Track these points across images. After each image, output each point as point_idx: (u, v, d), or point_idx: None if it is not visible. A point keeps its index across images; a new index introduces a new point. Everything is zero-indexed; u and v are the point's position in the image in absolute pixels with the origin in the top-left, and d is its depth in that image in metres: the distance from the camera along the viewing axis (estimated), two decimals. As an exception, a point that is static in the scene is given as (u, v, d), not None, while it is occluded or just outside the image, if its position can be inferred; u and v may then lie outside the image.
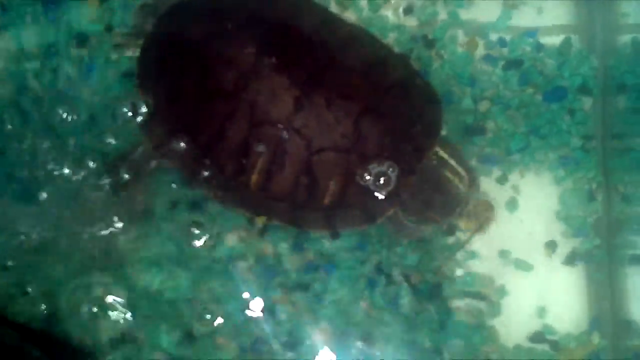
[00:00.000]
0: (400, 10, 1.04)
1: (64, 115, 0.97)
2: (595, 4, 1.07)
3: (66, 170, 0.95)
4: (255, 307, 0.96)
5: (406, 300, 0.96)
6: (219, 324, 0.96)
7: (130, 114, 0.94)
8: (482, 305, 0.99)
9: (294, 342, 0.96)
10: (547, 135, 1.02)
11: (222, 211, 0.96)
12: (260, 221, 0.97)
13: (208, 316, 0.95)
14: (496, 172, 1.02)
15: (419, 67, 1.00)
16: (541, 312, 1.00)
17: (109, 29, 1.01)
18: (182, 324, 0.96)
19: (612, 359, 0.99)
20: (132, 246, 0.95)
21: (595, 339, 0.99)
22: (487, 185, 1.01)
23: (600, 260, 1.01)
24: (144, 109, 0.93)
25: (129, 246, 0.95)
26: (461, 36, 1.04)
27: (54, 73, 0.99)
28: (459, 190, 0.93)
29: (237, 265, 0.97)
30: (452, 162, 0.93)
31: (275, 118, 0.87)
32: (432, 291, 0.97)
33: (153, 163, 0.94)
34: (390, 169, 0.88)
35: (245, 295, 0.96)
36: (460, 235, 0.98)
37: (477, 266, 1.00)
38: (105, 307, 0.94)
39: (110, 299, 0.94)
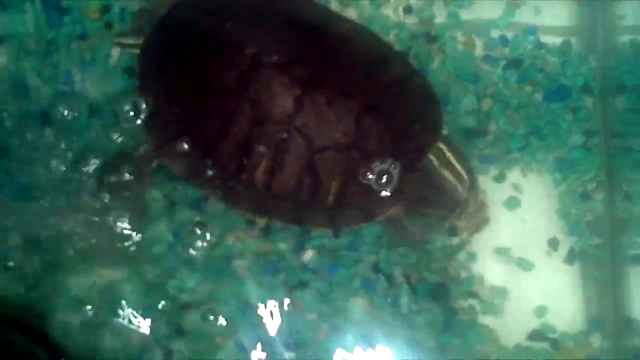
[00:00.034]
0: (400, 9, 1.05)
1: (64, 113, 0.97)
2: (593, 4, 1.08)
3: (67, 169, 0.95)
4: (256, 307, 0.96)
5: (406, 300, 0.96)
6: (219, 323, 0.95)
7: (131, 113, 0.94)
8: (482, 304, 0.99)
9: (294, 341, 0.95)
10: (547, 136, 1.02)
11: (223, 210, 0.96)
12: (261, 221, 0.97)
13: (208, 315, 0.95)
14: (494, 170, 1.02)
15: (417, 65, 1.00)
16: (542, 311, 0.99)
17: (108, 26, 1.01)
18: (182, 324, 0.95)
19: (612, 359, 0.99)
20: (133, 246, 0.95)
21: (596, 338, 0.99)
22: (486, 184, 1.01)
23: (601, 259, 1.01)
24: (145, 108, 0.93)
25: (130, 246, 0.95)
26: (460, 35, 1.04)
27: (54, 70, 0.99)
28: (459, 192, 0.93)
29: (237, 265, 0.97)
30: (455, 163, 0.93)
31: (277, 117, 0.87)
32: (432, 291, 0.97)
33: (154, 163, 0.94)
34: (392, 167, 0.88)
35: (245, 294, 0.96)
36: (459, 235, 0.99)
37: (478, 266, 1.00)
38: (106, 307, 0.94)
39: (110, 299, 0.94)
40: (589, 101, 1.03)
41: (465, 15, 1.05)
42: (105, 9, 1.01)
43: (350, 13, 1.04)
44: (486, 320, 0.98)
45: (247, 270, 0.97)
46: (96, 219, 0.95)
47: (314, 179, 0.88)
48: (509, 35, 1.05)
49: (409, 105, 0.92)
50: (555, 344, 0.99)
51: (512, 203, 1.01)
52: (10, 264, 0.95)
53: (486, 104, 1.02)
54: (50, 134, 0.97)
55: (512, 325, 0.98)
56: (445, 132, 0.95)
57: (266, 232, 0.97)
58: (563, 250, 1.01)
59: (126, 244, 0.95)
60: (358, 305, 0.96)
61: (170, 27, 0.93)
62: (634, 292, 1.00)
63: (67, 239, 0.95)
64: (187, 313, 0.95)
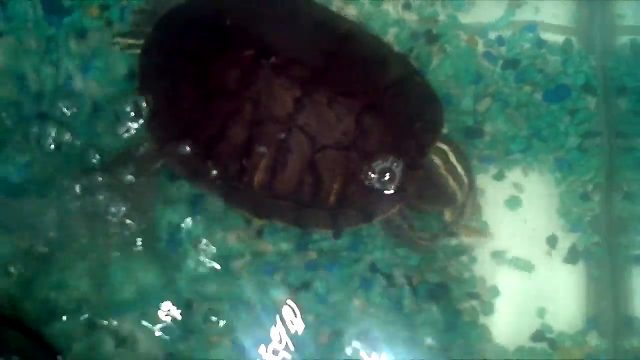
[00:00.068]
0: (399, 6, 1.05)
1: (64, 112, 0.97)
2: (592, 4, 1.08)
3: (67, 168, 0.95)
4: (255, 307, 0.96)
5: (408, 301, 0.96)
6: (218, 323, 0.95)
7: (132, 113, 0.94)
8: (482, 304, 0.99)
9: (293, 341, 0.95)
10: (547, 137, 1.02)
11: (223, 210, 0.96)
12: (259, 222, 0.97)
13: (207, 315, 0.95)
14: (493, 170, 1.02)
15: (418, 65, 1.00)
16: (541, 311, 1.00)
17: (108, 24, 1.01)
18: (183, 324, 0.95)
19: (611, 359, 0.99)
20: (133, 245, 0.95)
21: (595, 338, 0.99)
22: (487, 184, 1.01)
23: (601, 259, 1.01)
24: (146, 108, 0.93)
25: (130, 245, 0.95)
26: (462, 34, 1.04)
27: (53, 69, 0.99)
28: (457, 194, 0.93)
29: (237, 264, 0.97)
30: (457, 165, 0.93)
31: (278, 116, 0.87)
32: (434, 292, 0.97)
33: (156, 163, 0.94)
34: (395, 164, 0.88)
35: (245, 294, 0.96)
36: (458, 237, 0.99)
37: (478, 266, 1.00)
38: (105, 307, 0.94)
39: (110, 299, 0.94)
40: (590, 100, 1.03)
41: (465, 15, 1.05)
42: (105, 7, 1.01)
43: (350, 11, 1.03)
44: (487, 320, 0.98)
45: (247, 270, 0.97)
46: (97, 218, 0.95)
47: (316, 178, 0.88)
48: (509, 34, 1.05)
49: (410, 104, 0.92)
50: (554, 343, 0.99)
51: (513, 203, 1.01)
52: (9, 263, 0.94)
53: (486, 103, 1.02)
54: (50, 134, 0.97)
55: (512, 325, 0.99)
56: (445, 131, 0.95)
57: (262, 232, 0.97)
58: (563, 250, 1.01)
59: (127, 243, 0.95)
60: (358, 305, 0.96)
61: (171, 28, 0.93)
62: (634, 292, 1.00)
63: (67, 239, 0.94)
64: (186, 313, 0.95)
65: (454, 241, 0.99)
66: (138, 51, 0.94)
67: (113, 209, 0.95)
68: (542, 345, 0.99)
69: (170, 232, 0.96)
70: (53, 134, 0.96)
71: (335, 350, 0.95)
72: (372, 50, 0.94)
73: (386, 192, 0.89)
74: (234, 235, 0.97)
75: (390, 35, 1.03)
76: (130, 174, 0.94)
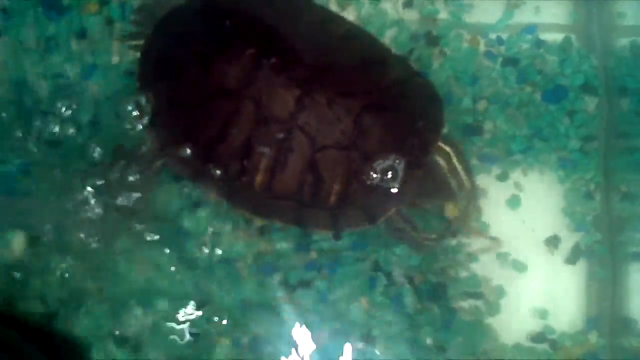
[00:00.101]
0: (400, 4, 1.05)
1: (65, 111, 0.97)
2: (592, 3, 1.08)
3: (68, 168, 0.95)
4: (255, 306, 0.96)
5: (409, 300, 0.96)
6: (218, 322, 0.95)
7: (133, 112, 0.93)
8: (483, 304, 0.99)
9: (295, 341, 0.95)
10: (548, 137, 1.02)
11: (224, 210, 0.96)
12: (259, 222, 0.97)
13: (207, 315, 0.95)
14: (496, 170, 1.02)
15: (418, 66, 1.00)
16: (541, 311, 1.00)
17: (109, 21, 1.01)
18: (182, 323, 0.96)
19: (610, 359, 0.99)
20: (134, 245, 0.95)
21: (594, 337, 0.99)
22: (488, 183, 1.01)
23: (602, 258, 1.01)
24: (147, 108, 0.93)
25: (131, 245, 0.95)
26: (465, 33, 1.04)
27: (53, 68, 0.99)
28: (455, 188, 0.93)
29: (237, 264, 0.97)
30: (460, 168, 0.93)
31: (278, 116, 0.87)
32: (434, 291, 0.97)
33: (157, 163, 0.94)
34: (397, 162, 0.88)
35: (245, 294, 0.96)
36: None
37: (479, 265, 1.00)
38: (106, 307, 0.95)
39: (110, 298, 0.95)
40: (589, 101, 1.03)
41: (467, 14, 1.05)
42: (105, 3, 1.01)
43: (350, 12, 1.03)
44: (487, 319, 0.98)
45: (247, 270, 0.97)
46: (97, 218, 0.95)
47: (316, 178, 0.89)
48: (508, 35, 1.05)
49: (411, 103, 0.92)
50: (553, 343, 0.99)
51: (514, 202, 1.02)
52: (8, 262, 0.95)
53: (486, 103, 1.02)
54: (50, 133, 0.97)
55: (512, 324, 0.99)
56: (445, 130, 0.95)
57: (263, 232, 0.97)
58: (562, 251, 1.01)
59: (127, 243, 0.95)
60: (361, 305, 0.96)
61: (171, 28, 0.93)
62: (633, 291, 1.01)
63: (68, 238, 0.95)
64: (187, 312, 0.95)
65: (454, 241, 0.99)
66: (138, 52, 0.94)
67: (114, 208, 0.95)
68: (542, 345, 0.99)
69: (171, 232, 0.96)
70: (53, 133, 0.96)
71: (336, 349, 0.95)
72: (372, 50, 0.94)
73: (389, 190, 0.89)
74: (235, 235, 0.97)
75: (390, 37, 1.03)
76: (131, 174, 0.95)
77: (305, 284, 0.97)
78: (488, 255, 0.99)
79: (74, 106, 0.97)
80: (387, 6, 1.05)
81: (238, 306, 0.96)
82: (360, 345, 0.95)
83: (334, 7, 1.04)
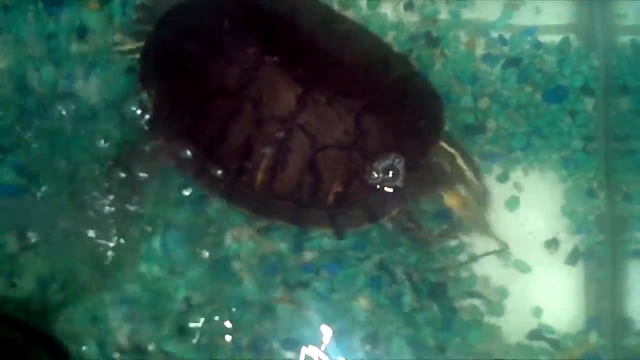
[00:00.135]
0: (401, 6, 1.05)
1: (66, 111, 0.97)
2: (593, 4, 1.08)
3: (69, 168, 0.95)
4: (255, 306, 0.96)
5: (408, 299, 0.96)
6: (219, 323, 0.95)
7: (134, 111, 0.93)
8: (483, 304, 0.99)
9: (295, 341, 0.95)
10: (548, 136, 1.02)
11: (224, 210, 0.96)
12: (259, 222, 0.97)
13: (207, 315, 0.95)
14: (497, 169, 1.02)
15: (419, 65, 1.00)
16: (541, 311, 1.00)
17: (110, 21, 1.00)
18: (183, 323, 0.95)
19: (611, 359, 0.99)
20: (134, 245, 0.95)
21: (595, 338, 0.99)
22: (488, 183, 1.01)
23: (602, 257, 1.01)
24: (147, 107, 0.93)
25: (131, 245, 0.95)
26: (462, 35, 1.04)
27: (54, 67, 0.99)
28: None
29: (237, 264, 0.97)
30: (464, 167, 0.94)
31: (278, 116, 0.87)
32: (433, 290, 0.97)
33: (157, 162, 0.94)
34: (397, 160, 0.88)
35: (245, 294, 0.96)
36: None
37: (479, 265, 0.99)
38: (107, 307, 0.94)
39: (110, 298, 0.94)
40: (588, 102, 1.03)
41: (466, 14, 1.05)
42: (107, 5, 1.01)
43: (350, 13, 1.03)
44: (487, 319, 0.98)
45: (247, 270, 0.96)
46: (98, 217, 0.95)
47: (316, 177, 0.89)
48: (508, 35, 1.05)
49: (411, 103, 0.93)
50: (554, 343, 0.99)
51: (514, 202, 1.01)
52: (11, 263, 0.94)
53: (485, 103, 1.02)
54: (50, 131, 0.97)
55: (512, 324, 0.99)
56: (446, 128, 0.95)
57: (264, 232, 0.97)
58: (563, 250, 1.01)
59: (128, 243, 0.95)
60: (362, 304, 0.96)
61: (172, 27, 0.93)
62: (632, 291, 1.01)
63: (69, 238, 0.94)
64: (186, 313, 0.95)
65: (455, 241, 0.99)
66: (138, 56, 0.94)
67: (115, 208, 0.95)
68: (542, 345, 0.99)
69: (170, 231, 0.96)
70: (53, 131, 0.96)
71: (337, 349, 0.94)
72: (373, 49, 0.94)
73: (390, 190, 0.89)
74: (235, 234, 0.97)
75: (390, 37, 1.03)
76: (132, 173, 0.94)
77: (306, 283, 0.97)
78: (485, 249, 0.99)
79: (75, 104, 0.97)
80: (387, 9, 1.05)
81: (238, 306, 0.96)
82: (361, 345, 0.95)
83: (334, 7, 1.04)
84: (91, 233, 0.94)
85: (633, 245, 1.01)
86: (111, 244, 0.94)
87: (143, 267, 0.96)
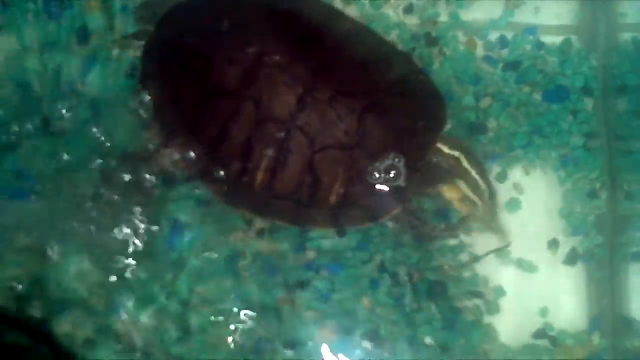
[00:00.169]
0: (400, 9, 1.05)
1: (66, 111, 0.97)
2: (594, 3, 1.08)
3: (70, 167, 0.95)
4: (256, 306, 0.96)
5: (409, 299, 0.96)
6: (220, 323, 0.95)
7: (134, 112, 0.93)
8: (484, 304, 0.99)
9: (295, 341, 0.95)
10: (549, 135, 1.02)
11: (224, 210, 0.96)
12: (259, 222, 0.97)
13: (209, 316, 0.95)
14: (496, 168, 1.02)
15: (421, 64, 1.00)
16: (543, 311, 0.99)
17: (110, 24, 1.00)
18: (183, 323, 0.95)
19: (612, 359, 0.99)
20: (135, 245, 0.95)
21: (596, 338, 0.99)
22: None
23: (602, 258, 1.01)
24: (147, 107, 0.93)
25: (131, 245, 0.95)
26: (461, 35, 1.04)
27: (55, 69, 0.99)
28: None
29: (237, 264, 0.97)
30: (470, 169, 0.93)
31: (279, 116, 0.87)
32: (435, 290, 0.97)
33: (157, 162, 0.94)
34: (397, 159, 0.88)
35: (246, 294, 0.96)
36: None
37: (480, 265, 0.99)
38: (108, 307, 0.94)
39: (112, 298, 0.94)
40: (588, 102, 1.03)
41: (465, 15, 1.05)
42: (108, 4, 1.01)
43: (352, 12, 1.03)
44: (489, 319, 0.98)
45: (248, 270, 0.96)
46: (99, 217, 0.95)
47: (316, 178, 0.88)
48: (509, 35, 1.05)
49: (412, 102, 0.92)
50: (556, 342, 0.99)
51: (514, 202, 1.01)
52: (14, 263, 0.94)
53: (486, 102, 1.02)
54: (50, 132, 0.97)
55: (514, 324, 0.99)
56: (449, 127, 0.95)
57: (264, 231, 0.97)
58: (564, 249, 1.01)
59: (128, 243, 0.95)
60: (361, 305, 0.96)
61: (172, 27, 0.93)
62: (633, 292, 1.00)
63: (71, 238, 0.94)
64: (187, 313, 0.95)
65: (453, 241, 0.99)
66: (140, 51, 0.94)
67: (115, 207, 0.95)
68: (544, 345, 0.99)
69: (171, 231, 0.96)
70: (54, 132, 0.96)
71: (339, 349, 0.94)
72: (374, 48, 0.94)
73: (391, 189, 0.88)
74: (235, 234, 0.97)
75: (393, 36, 1.03)
76: (133, 173, 0.94)
77: (307, 284, 0.96)
78: (485, 249, 0.99)
79: (75, 104, 0.97)
80: (389, 10, 1.05)
81: (239, 306, 0.95)
82: (362, 344, 0.95)
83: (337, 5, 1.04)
84: (93, 233, 0.94)
85: (634, 247, 1.01)
86: (114, 244, 0.94)
87: (144, 267, 0.95)
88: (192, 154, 0.90)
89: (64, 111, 0.97)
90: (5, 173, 0.97)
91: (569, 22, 1.07)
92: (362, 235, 0.97)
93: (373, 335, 0.95)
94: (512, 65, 1.04)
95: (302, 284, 0.96)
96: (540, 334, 0.99)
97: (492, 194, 0.95)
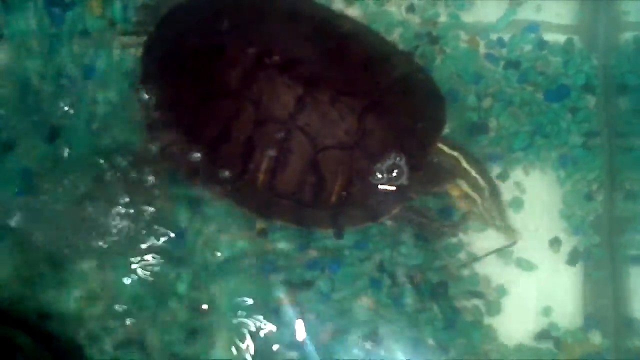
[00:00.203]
0: (403, 7, 1.05)
1: (67, 111, 0.97)
2: (596, 2, 1.07)
3: (70, 167, 0.95)
4: (257, 307, 0.96)
5: (410, 300, 0.96)
6: (221, 323, 0.95)
7: (134, 112, 0.94)
8: (485, 304, 0.98)
9: (296, 341, 0.95)
10: (550, 134, 1.02)
11: (225, 210, 0.96)
12: (261, 222, 0.97)
13: (210, 315, 0.95)
14: (496, 169, 1.01)
15: (423, 63, 1.00)
16: (543, 311, 0.99)
17: (111, 24, 1.01)
18: (184, 324, 0.95)
19: (614, 359, 0.99)
20: (134, 245, 0.95)
21: (597, 338, 0.99)
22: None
23: (601, 258, 1.01)
24: (148, 108, 0.93)
25: (131, 245, 0.95)
26: (463, 34, 1.04)
27: (57, 68, 0.99)
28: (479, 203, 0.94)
29: (239, 264, 0.97)
30: (469, 169, 0.93)
31: (279, 116, 0.87)
32: (435, 290, 0.97)
33: (158, 162, 0.94)
34: (398, 158, 0.88)
35: (246, 294, 0.96)
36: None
37: (480, 265, 0.99)
38: (109, 308, 0.94)
39: (114, 298, 0.95)
40: (590, 100, 1.03)
41: (466, 15, 1.05)
42: (108, 4, 1.01)
43: (355, 11, 1.03)
44: (489, 319, 0.98)
45: (249, 270, 0.96)
46: (99, 217, 0.95)
47: (317, 178, 0.89)
48: (510, 35, 1.05)
49: (412, 103, 0.92)
50: (557, 342, 0.99)
51: (515, 203, 1.01)
52: (16, 262, 0.95)
53: (488, 102, 1.02)
54: (52, 132, 0.97)
55: (514, 324, 0.98)
56: (449, 127, 0.95)
57: (265, 231, 0.97)
58: (564, 249, 1.01)
59: (129, 242, 0.95)
60: (362, 305, 0.96)
61: (173, 27, 0.93)
62: (635, 292, 1.00)
63: (72, 238, 0.95)
64: (187, 313, 0.95)
65: (454, 240, 0.99)
66: (140, 51, 0.94)
67: (116, 208, 0.95)
68: (545, 344, 0.98)
69: (173, 232, 0.96)
70: (55, 133, 0.96)
71: (337, 349, 0.94)
72: (374, 48, 0.94)
73: (391, 189, 0.88)
74: (236, 234, 0.97)
75: (396, 34, 1.03)
76: (133, 173, 0.95)
77: (307, 283, 0.96)
78: (486, 249, 0.99)
79: (76, 105, 0.97)
80: (392, 7, 1.05)
81: (239, 306, 0.96)
82: (362, 344, 0.95)
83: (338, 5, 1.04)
84: (93, 232, 0.94)
85: (635, 250, 1.01)
86: (115, 244, 0.95)
87: (145, 267, 0.96)
88: (192, 154, 0.90)
89: (65, 109, 0.97)
90: (7, 172, 0.97)
91: (569, 22, 1.07)
92: (361, 234, 0.97)
93: (372, 335, 0.95)
94: (514, 64, 1.04)
95: (304, 284, 0.96)
96: (542, 334, 0.99)
97: (496, 193, 0.95)
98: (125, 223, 0.95)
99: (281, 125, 0.87)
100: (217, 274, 0.96)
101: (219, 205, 0.96)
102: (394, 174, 0.89)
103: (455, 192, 0.95)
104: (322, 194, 0.89)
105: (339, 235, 0.92)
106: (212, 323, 0.95)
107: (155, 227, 0.96)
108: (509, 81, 1.03)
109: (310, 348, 0.95)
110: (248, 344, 0.95)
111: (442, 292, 0.97)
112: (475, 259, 0.98)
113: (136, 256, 0.95)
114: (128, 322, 0.94)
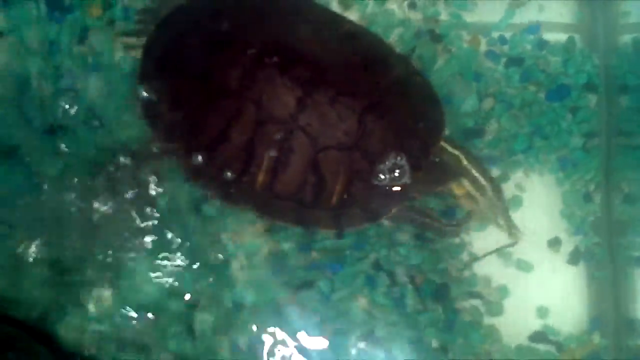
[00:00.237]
0: (405, 5, 1.05)
1: (67, 111, 0.97)
2: (596, 2, 1.07)
3: (71, 167, 0.95)
4: (257, 307, 0.96)
5: (411, 301, 0.96)
6: (220, 323, 0.95)
7: (134, 112, 0.94)
8: (485, 304, 0.98)
9: (296, 341, 0.95)
10: (549, 135, 1.02)
11: (225, 210, 0.96)
12: (262, 222, 0.97)
13: (210, 316, 0.95)
14: (495, 172, 1.01)
15: (419, 65, 1.00)
16: (543, 311, 0.99)
17: (111, 23, 1.00)
18: (185, 324, 0.95)
19: (614, 359, 0.99)
20: (135, 245, 0.95)
21: (596, 338, 0.99)
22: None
23: (603, 260, 1.01)
24: (148, 108, 0.93)
25: (133, 245, 0.95)
26: (465, 34, 1.04)
27: (56, 69, 0.99)
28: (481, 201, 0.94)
29: (241, 264, 0.97)
30: (470, 168, 0.93)
31: (279, 117, 0.87)
32: (436, 291, 0.97)
33: (158, 162, 0.94)
34: (398, 158, 0.88)
35: (248, 295, 0.96)
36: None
37: (480, 266, 0.99)
38: (110, 308, 0.95)
39: (113, 298, 0.95)
40: (591, 99, 1.03)
41: (468, 14, 1.05)
42: (108, 6, 1.01)
43: (354, 12, 1.03)
44: (489, 320, 0.98)
45: (250, 270, 0.96)
46: (99, 217, 0.95)
47: (318, 178, 0.89)
48: (511, 35, 1.05)
49: (411, 104, 0.92)
50: (556, 344, 0.99)
51: (515, 203, 1.01)
52: (17, 262, 0.95)
53: (489, 103, 1.02)
54: (52, 133, 0.97)
55: (514, 325, 0.98)
56: (447, 132, 0.95)
57: (265, 232, 0.97)
58: (565, 250, 1.01)
59: (130, 242, 0.95)
60: (362, 305, 0.96)
61: (173, 27, 0.93)
62: (636, 293, 1.00)
63: (72, 238, 0.95)
64: (188, 313, 0.95)
65: (455, 240, 0.99)
66: (139, 52, 0.94)
67: (117, 207, 0.95)
68: (545, 345, 0.99)
69: (173, 232, 0.96)
70: (55, 133, 0.96)
71: (338, 349, 0.94)
72: (373, 49, 0.94)
73: (400, 187, 0.88)
74: (237, 235, 0.97)
75: (395, 35, 1.03)
76: (133, 173, 0.95)
77: (308, 284, 0.96)
78: (486, 249, 0.99)
79: (76, 106, 0.97)
80: (393, 6, 1.05)
81: (240, 306, 0.96)
82: (362, 345, 0.95)
83: (337, 8, 1.03)
84: (96, 232, 0.94)
85: (636, 252, 1.01)
86: (116, 244, 0.95)
87: (146, 267, 0.96)
88: (193, 154, 0.90)
89: (66, 108, 0.97)
90: (7, 172, 0.97)
91: (570, 22, 1.07)
92: (360, 234, 0.97)
93: (374, 336, 0.95)
94: (516, 62, 1.04)
95: (305, 284, 0.96)
96: (542, 334, 0.99)
97: (498, 191, 0.95)
98: (125, 223, 0.95)
99: (282, 125, 0.87)
100: (217, 274, 0.96)
101: (220, 205, 0.95)
102: (396, 174, 0.89)
103: (458, 191, 0.95)
104: (322, 194, 0.89)
105: (339, 235, 0.92)
106: (214, 322, 0.95)
107: (156, 227, 0.96)
108: (510, 80, 1.03)
109: (310, 349, 0.95)
110: (248, 345, 0.95)
111: (444, 294, 0.97)
112: (475, 259, 0.98)
113: (137, 256, 0.95)
114: (130, 323, 0.94)
